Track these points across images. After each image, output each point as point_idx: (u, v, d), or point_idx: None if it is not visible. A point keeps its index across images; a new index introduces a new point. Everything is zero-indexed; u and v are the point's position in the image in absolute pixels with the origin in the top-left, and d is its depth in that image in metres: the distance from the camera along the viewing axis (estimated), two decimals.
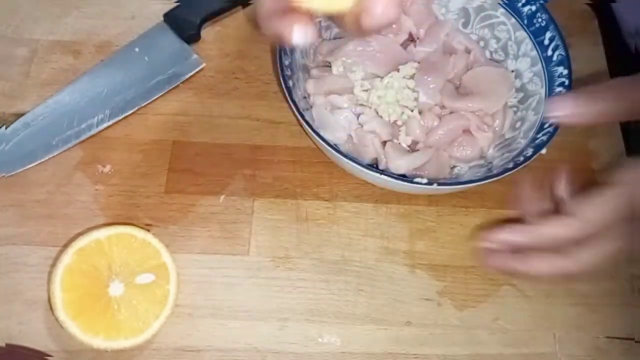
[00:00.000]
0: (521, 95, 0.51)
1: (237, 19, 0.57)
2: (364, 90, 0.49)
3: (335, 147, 0.44)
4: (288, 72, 0.46)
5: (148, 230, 0.46)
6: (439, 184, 0.43)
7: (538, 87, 0.49)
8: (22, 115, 0.50)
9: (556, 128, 0.45)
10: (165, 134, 0.51)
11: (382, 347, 0.45)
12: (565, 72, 0.48)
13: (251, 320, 0.45)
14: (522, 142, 0.47)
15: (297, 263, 0.47)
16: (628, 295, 0.47)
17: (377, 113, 0.48)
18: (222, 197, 0.49)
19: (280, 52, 0.46)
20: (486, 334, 0.46)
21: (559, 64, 0.48)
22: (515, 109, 0.51)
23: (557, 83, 0.48)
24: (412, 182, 0.43)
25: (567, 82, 0.47)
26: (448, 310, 0.46)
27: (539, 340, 0.46)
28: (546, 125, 0.46)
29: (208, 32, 0.56)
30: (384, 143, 0.48)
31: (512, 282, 0.47)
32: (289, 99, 0.45)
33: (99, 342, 0.41)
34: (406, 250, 0.48)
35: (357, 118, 0.48)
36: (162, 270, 0.44)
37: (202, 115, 0.52)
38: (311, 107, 0.49)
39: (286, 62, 0.47)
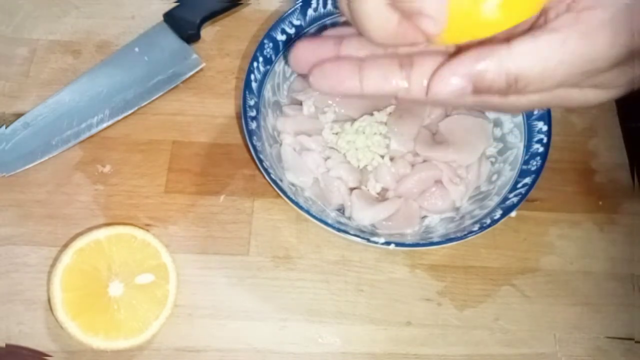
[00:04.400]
0: (501, 145, 0.49)
1: (237, 19, 0.57)
2: (333, 134, 0.47)
3: (290, 197, 0.42)
4: (252, 113, 0.45)
5: (148, 230, 0.46)
6: (396, 245, 0.42)
7: (517, 141, 0.47)
8: (21, 115, 0.50)
9: (528, 190, 0.44)
10: (165, 134, 0.51)
11: (382, 347, 0.45)
12: (545, 128, 0.46)
13: (251, 320, 0.45)
14: (495, 199, 0.45)
15: (297, 263, 0.47)
16: (628, 295, 0.47)
17: (346, 158, 0.47)
18: (222, 197, 0.49)
19: (245, 91, 0.45)
20: (486, 334, 0.46)
21: (540, 118, 0.46)
22: (493, 159, 0.49)
23: (535, 139, 0.46)
24: (368, 240, 0.42)
25: (545, 140, 0.45)
26: (448, 310, 0.46)
27: (539, 340, 0.46)
28: (519, 185, 0.45)
29: (208, 32, 0.56)
30: (352, 189, 0.46)
31: (512, 282, 0.47)
32: (249, 142, 0.43)
33: (98, 342, 0.41)
34: (406, 250, 0.48)
35: (325, 162, 0.47)
36: (161, 271, 0.44)
37: (202, 115, 0.52)
38: (280, 144, 0.48)
39: (251, 102, 0.46)
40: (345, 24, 0.35)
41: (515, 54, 0.28)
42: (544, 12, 0.30)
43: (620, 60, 0.28)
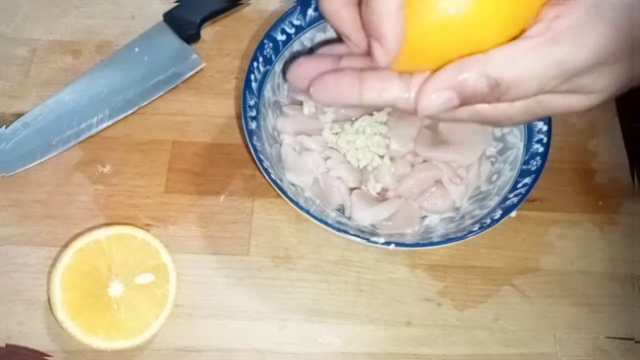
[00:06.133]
0: (501, 145, 0.48)
1: (237, 19, 0.57)
2: (333, 134, 0.47)
3: (290, 197, 0.42)
4: (252, 113, 0.45)
5: (148, 230, 0.46)
6: (396, 245, 0.42)
7: (517, 140, 0.47)
8: (21, 115, 0.50)
9: (528, 190, 0.44)
10: (164, 133, 0.51)
11: (382, 347, 0.45)
12: (545, 128, 0.46)
13: (251, 321, 0.45)
14: (495, 199, 0.45)
15: (297, 263, 0.47)
16: (628, 295, 0.47)
17: (346, 158, 0.47)
18: (222, 197, 0.49)
19: (245, 91, 0.45)
20: (486, 334, 0.46)
21: (540, 118, 0.46)
22: (493, 159, 0.48)
23: (535, 139, 0.46)
24: (368, 240, 0.41)
25: (545, 139, 0.45)
26: (448, 310, 0.46)
27: (539, 340, 0.46)
28: (519, 185, 0.45)
29: (208, 32, 0.56)
30: (352, 189, 0.46)
31: (512, 282, 0.47)
32: (249, 142, 0.43)
33: (98, 342, 0.41)
34: (406, 250, 0.48)
35: (325, 162, 0.46)
36: (161, 271, 0.44)
37: (202, 115, 0.52)
38: (280, 144, 0.48)
39: (251, 102, 0.46)
40: (339, 40, 0.35)
41: (492, 60, 0.29)
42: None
43: (592, 63, 0.29)
